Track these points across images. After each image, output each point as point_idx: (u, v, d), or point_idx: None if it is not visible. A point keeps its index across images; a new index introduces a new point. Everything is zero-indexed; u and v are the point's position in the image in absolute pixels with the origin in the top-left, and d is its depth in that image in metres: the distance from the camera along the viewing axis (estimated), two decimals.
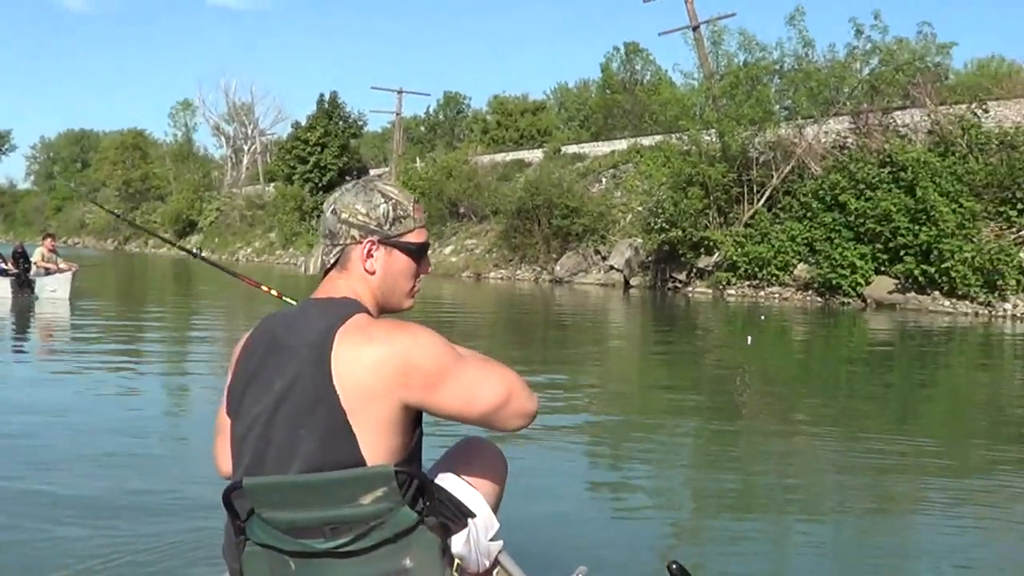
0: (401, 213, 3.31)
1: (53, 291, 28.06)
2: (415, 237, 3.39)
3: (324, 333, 3.05)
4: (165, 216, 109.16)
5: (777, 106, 43.64)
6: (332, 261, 3.32)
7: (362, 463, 3.00)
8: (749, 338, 21.36)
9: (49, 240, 30.81)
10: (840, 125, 41.77)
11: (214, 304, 33.81)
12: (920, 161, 35.28)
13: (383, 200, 3.30)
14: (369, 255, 3.29)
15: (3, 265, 28.89)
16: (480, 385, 3.12)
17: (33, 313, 25.05)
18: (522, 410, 3.21)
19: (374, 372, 2.97)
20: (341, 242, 3.30)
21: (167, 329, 23.79)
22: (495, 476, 3.74)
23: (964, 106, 37.41)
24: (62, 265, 29.61)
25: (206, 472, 7.92)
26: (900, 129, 39.37)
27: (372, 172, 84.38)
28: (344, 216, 3.28)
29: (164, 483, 7.99)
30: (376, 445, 3.01)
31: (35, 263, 29.29)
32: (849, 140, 40.87)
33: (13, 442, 9.38)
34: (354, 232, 3.28)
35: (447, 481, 3.48)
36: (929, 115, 38.33)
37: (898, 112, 40.23)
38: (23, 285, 28.29)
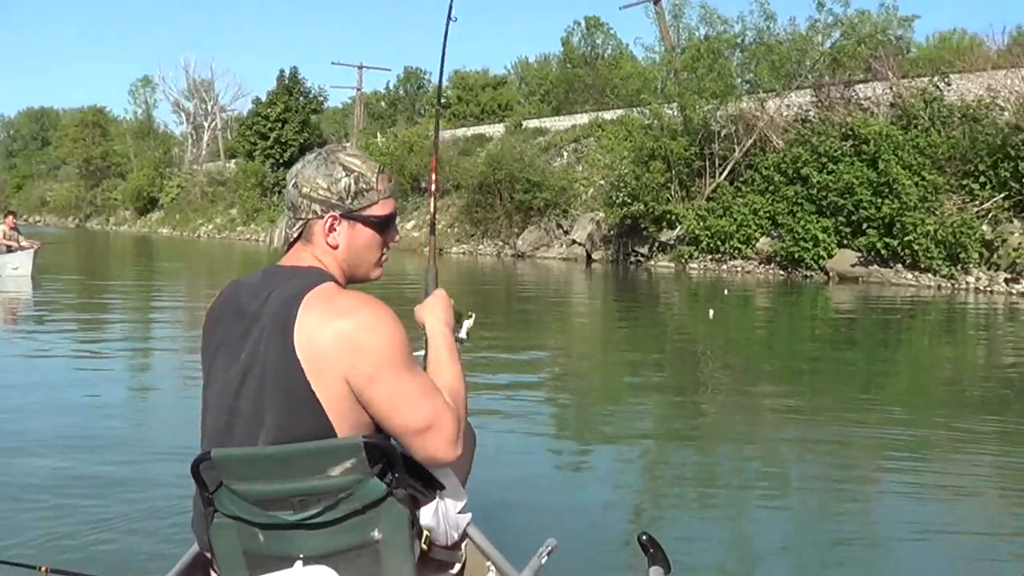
0: (364, 186, 3.23)
1: (15, 269, 27.91)
2: (379, 210, 3.31)
3: (289, 302, 3.00)
4: (126, 194, 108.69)
5: (739, 80, 43.67)
6: (295, 235, 3.26)
7: (330, 433, 2.96)
8: (711, 312, 21.36)
9: (10, 218, 30.63)
10: (802, 98, 41.78)
11: (176, 279, 33.75)
12: (882, 134, 35.30)
13: (344, 174, 3.23)
14: (331, 229, 3.23)
15: None
16: (411, 401, 3.00)
17: None
18: (432, 451, 3.06)
19: (331, 343, 2.93)
20: (303, 216, 3.23)
21: (130, 304, 23.74)
22: (464, 449, 3.71)
23: (926, 79, 37.43)
24: (24, 243, 29.46)
25: (172, 446, 7.96)
26: (862, 102, 39.39)
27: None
28: (305, 190, 3.21)
29: (131, 458, 8.00)
30: (342, 415, 2.97)
31: None
32: (811, 113, 40.83)
33: None
34: (316, 207, 3.22)
35: None
36: (891, 88, 38.39)
37: (860, 85, 40.26)
38: None
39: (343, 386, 2.95)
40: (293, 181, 3.25)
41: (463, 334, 3.82)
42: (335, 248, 3.25)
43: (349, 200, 3.23)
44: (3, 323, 19.34)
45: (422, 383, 3.04)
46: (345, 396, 2.96)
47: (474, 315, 3.89)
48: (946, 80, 37.11)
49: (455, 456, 3.09)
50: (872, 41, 40.23)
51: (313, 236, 3.24)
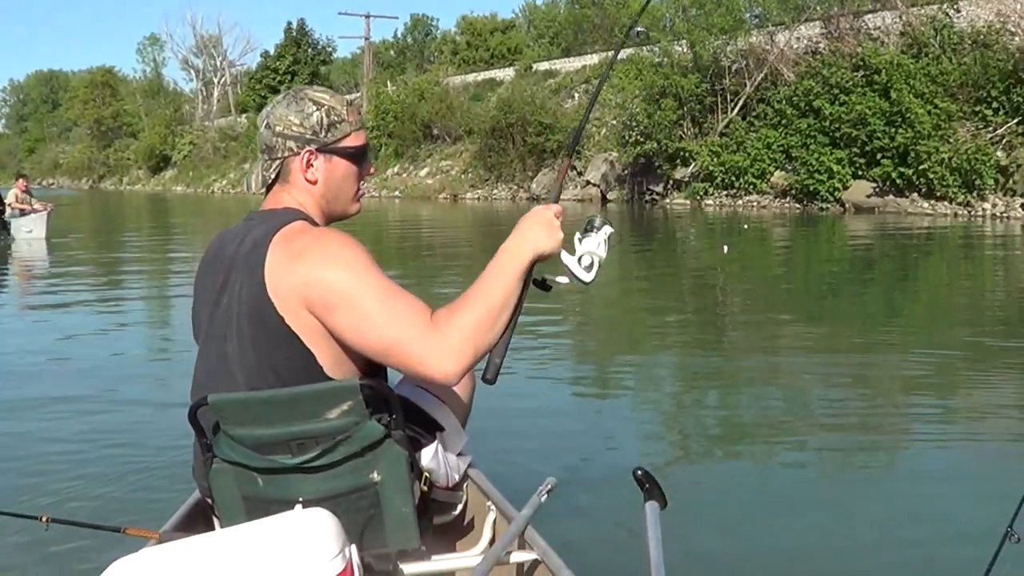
0: (335, 118, 3.21)
1: (29, 231, 28.00)
2: (353, 140, 3.29)
3: (260, 243, 3.01)
4: (138, 153, 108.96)
5: (748, 14, 43.42)
6: (272, 176, 3.24)
7: (316, 367, 2.97)
8: (725, 247, 21.28)
9: (22, 181, 30.70)
10: (812, 31, 41.57)
11: (190, 236, 33.77)
12: (894, 63, 35.16)
13: (315, 108, 3.20)
14: (308, 165, 3.21)
15: None
16: (373, 320, 2.89)
17: (10, 254, 24.96)
18: (410, 367, 2.89)
19: (288, 283, 2.92)
20: (279, 155, 3.21)
21: (145, 264, 23.76)
22: (463, 390, 3.75)
23: (936, 7, 37.16)
24: (36, 206, 29.52)
25: (175, 397, 7.98)
26: (872, 32, 39.19)
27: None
28: (279, 129, 3.19)
29: (132, 410, 8.08)
30: (323, 350, 2.97)
31: (9, 204, 29.15)
32: (821, 45, 40.64)
33: None
34: (291, 144, 3.19)
35: (415, 395, 3.48)
36: (901, 17, 38.14)
37: (869, 15, 40.04)
38: None
39: (311, 320, 2.93)
40: (265, 122, 3.23)
41: (575, 263, 3.15)
42: (313, 184, 3.23)
43: (323, 133, 3.20)
44: (18, 286, 19.40)
45: (383, 301, 2.90)
46: (316, 329, 2.94)
47: (604, 229, 3.17)
48: (955, 7, 36.82)
49: (442, 374, 2.86)
50: None
51: (291, 175, 3.22)
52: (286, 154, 3.20)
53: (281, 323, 2.93)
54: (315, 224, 3.15)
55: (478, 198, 53.07)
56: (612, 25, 60.76)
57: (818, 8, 41.68)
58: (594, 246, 3.14)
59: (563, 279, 3.16)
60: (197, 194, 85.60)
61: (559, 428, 7.58)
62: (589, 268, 3.13)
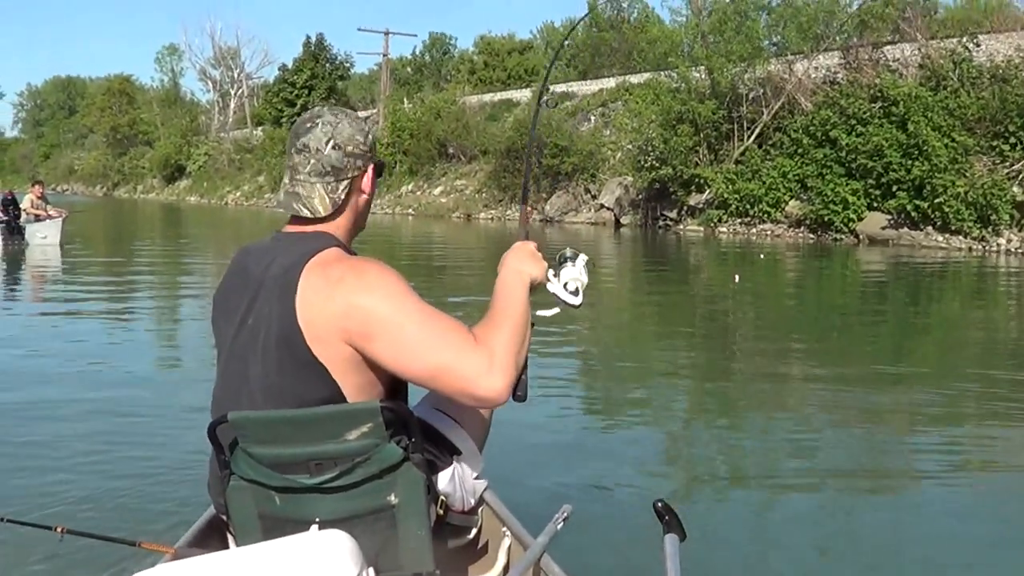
0: (375, 135, 3.31)
1: (44, 237, 28.12)
2: None
3: (291, 268, 3.02)
4: (153, 161, 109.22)
5: (766, 42, 43.45)
6: (343, 196, 3.24)
7: (339, 395, 2.99)
8: (736, 276, 21.22)
9: (37, 187, 30.80)
10: (830, 60, 41.58)
11: (204, 246, 33.84)
12: (912, 96, 35.10)
13: (366, 126, 3.30)
14: (372, 180, 3.31)
15: None
16: (416, 347, 2.92)
17: (24, 259, 25.03)
18: (461, 389, 2.93)
19: (323, 312, 2.94)
20: (348, 175, 3.23)
21: (158, 273, 23.79)
22: (481, 414, 3.73)
23: (955, 40, 37.17)
24: (51, 212, 29.63)
25: (189, 412, 7.96)
26: (891, 64, 39.17)
27: (360, 114, 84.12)
28: (350, 149, 3.21)
29: (148, 423, 8.07)
30: (348, 379, 2.99)
31: (24, 210, 29.27)
32: (839, 75, 40.64)
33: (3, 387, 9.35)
34: (359, 162, 3.24)
35: (433, 418, 3.49)
36: (920, 49, 38.17)
37: (888, 47, 40.04)
38: (13, 232, 28.35)
39: (345, 350, 2.95)
40: (331, 143, 3.20)
41: (562, 289, 3.47)
42: (367, 195, 3.32)
43: (373, 150, 3.31)
44: (32, 292, 19.43)
45: (425, 326, 2.95)
46: (347, 359, 2.97)
47: (580, 257, 3.55)
48: (975, 41, 36.82)
49: (493, 392, 2.91)
50: (900, 2, 39.93)
51: (351, 194, 3.26)
52: (355, 173, 3.25)
53: (307, 352, 2.95)
54: (345, 248, 3.18)
55: (491, 218, 53.07)
56: (630, 49, 60.82)
57: (837, 38, 41.70)
58: (577, 273, 3.49)
59: (548, 312, 3.44)
60: (211, 205, 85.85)
61: (574, 455, 7.55)
62: (576, 293, 3.47)
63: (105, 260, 27.24)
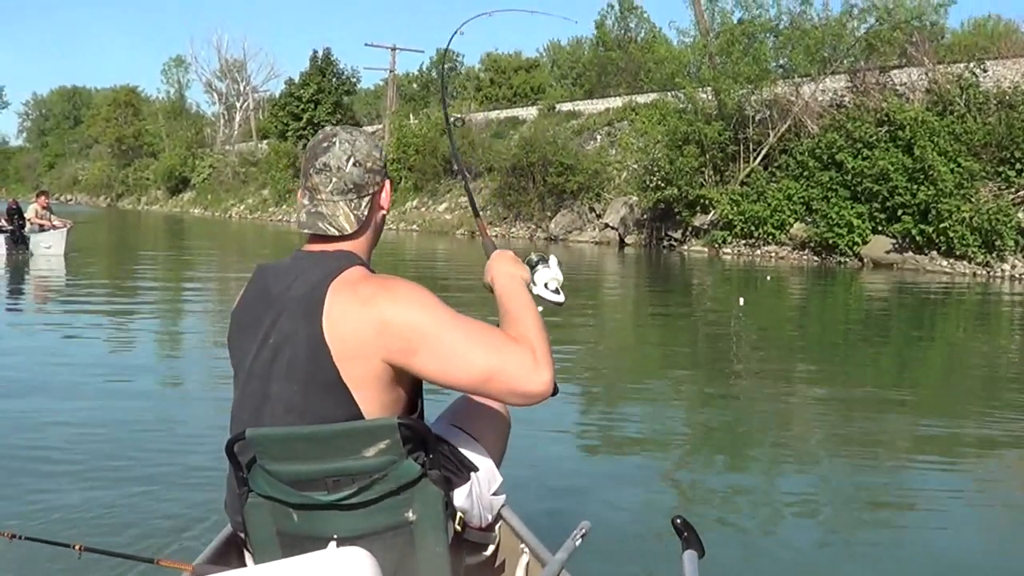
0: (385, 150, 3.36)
1: (48, 247, 28.19)
2: None
3: (316, 287, 3.03)
4: (158, 173, 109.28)
5: (774, 64, 43.43)
6: (367, 213, 3.27)
7: (359, 416, 2.99)
8: (741, 299, 21.20)
9: (43, 197, 30.94)
10: (837, 83, 41.55)
11: (208, 259, 33.87)
12: (918, 120, 35.08)
13: (379, 142, 3.41)
14: (389, 194, 3.37)
15: None
16: (461, 355, 2.97)
17: (28, 269, 25.06)
18: (513, 389, 2.99)
19: (357, 331, 2.96)
20: (369, 191, 3.27)
21: (162, 285, 23.81)
22: (498, 431, 3.78)
23: (962, 65, 37.13)
24: (56, 222, 29.69)
25: (205, 427, 7.97)
26: (897, 88, 39.14)
27: (365, 130, 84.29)
28: (369, 165, 3.25)
29: (162, 439, 8.07)
30: (370, 399, 3.01)
31: (29, 220, 29.32)
32: (846, 99, 40.59)
33: (5, 402, 9.33)
34: (377, 178, 3.29)
35: (450, 435, 3.50)
36: (927, 74, 38.14)
37: (895, 71, 40.02)
38: (18, 242, 28.40)
39: (378, 368, 2.98)
40: (352, 161, 3.23)
41: (543, 289, 3.60)
42: (384, 210, 3.38)
43: (386, 164, 3.36)
44: (35, 302, 19.43)
45: (465, 330, 3.01)
46: (379, 377, 2.99)
47: (551, 258, 3.72)
48: (982, 66, 36.80)
49: (544, 385, 2.98)
50: (908, 27, 39.95)
51: (373, 208, 3.31)
52: (375, 189, 3.29)
53: (333, 371, 2.97)
54: (367, 266, 3.21)
55: (496, 235, 52.84)
56: (637, 69, 60.88)
57: (844, 62, 41.70)
58: (555, 273, 3.63)
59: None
60: (215, 217, 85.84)
61: (591, 471, 7.61)
62: (557, 292, 3.61)
63: (109, 271, 27.29)
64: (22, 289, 22.02)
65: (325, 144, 3.25)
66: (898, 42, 40.27)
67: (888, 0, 40.81)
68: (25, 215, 29.42)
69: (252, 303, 3.22)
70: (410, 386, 3.13)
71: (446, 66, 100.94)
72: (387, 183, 3.34)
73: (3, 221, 29.00)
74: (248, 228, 64.64)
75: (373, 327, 2.94)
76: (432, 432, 3.09)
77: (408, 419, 2.98)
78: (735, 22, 44.25)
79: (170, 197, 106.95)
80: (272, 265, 3.29)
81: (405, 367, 2.99)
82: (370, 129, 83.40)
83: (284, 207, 79.83)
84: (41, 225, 29.38)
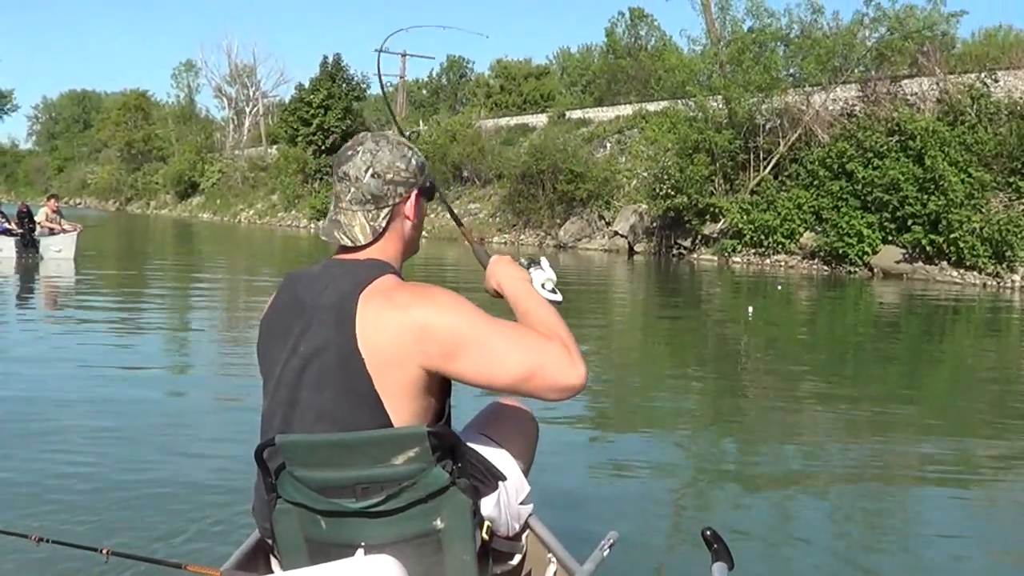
0: (423, 160, 3.34)
1: (58, 251, 28.23)
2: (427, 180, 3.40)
3: (348, 296, 3.04)
4: (167, 177, 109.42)
5: (784, 73, 43.43)
6: (384, 225, 3.26)
7: (388, 425, 3.00)
8: (750, 309, 21.16)
9: (53, 201, 30.98)
10: (848, 93, 41.59)
11: (216, 263, 33.93)
12: (929, 130, 35.09)
13: (411, 152, 3.30)
14: (415, 206, 3.31)
15: (7, 225, 28.96)
16: (502, 356, 3.00)
17: (38, 273, 25.10)
18: (551, 384, 3.02)
19: (394, 339, 2.96)
20: (390, 203, 3.25)
21: (171, 289, 23.81)
22: (527, 439, 3.79)
23: (973, 75, 37.18)
24: (66, 226, 29.74)
25: (229, 433, 7.96)
26: (908, 98, 39.16)
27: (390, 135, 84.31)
28: (389, 177, 3.23)
29: (187, 443, 8.05)
30: (402, 408, 3.01)
31: (39, 223, 29.39)
32: (857, 108, 40.62)
33: (18, 408, 9.30)
34: (400, 189, 3.26)
35: (479, 443, 3.49)
36: (938, 84, 38.15)
37: (906, 80, 40.03)
38: (28, 245, 28.47)
39: (414, 377, 3.00)
40: (370, 171, 3.23)
41: (541, 289, 3.66)
42: (413, 224, 3.34)
43: (420, 176, 3.31)
44: (46, 306, 19.42)
45: (503, 331, 3.05)
46: (412, 385, 3.01)
47: (543, 260, 3.85)
48: (993, 76, 36.83)
49: (582, 377, 3.04)
50: (919, 37, 39.95)
51: (394, 220, 3.28)
52: (396, 200, 3.26)
53: (366, 381, 2.98)
54: (399, 275, 3.20)
55: (505, 243, 53.02)
56: (647, 77, 60.89)
57: (855, 71, 41.74)
58: (550, 273, 3.74)
59: None
60: (224, 222, 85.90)
61: (618, 482, 7.59)
62: (554, 291, 3.68)
63: (119, 275, 27.26)
64: (32, 292, 22.03)
65: (349, 152, 3.27)
66: (909, 52, 40.28)
67: (899, 10, 40.85)
68: (35, 219, 29.49)
69: (282, 311, 3.23)
70: (440, 394, 3.14)
71: (457, 74, 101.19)
72: (413, 194, 3.29)
73: (13, 225, 29.07)
74: (257, 233, 64.74)
75: (412, 333, 2.94)
76: (461, 440, 3.09)
77: (437, 427, 2.99)
78: (746, 31, 44.29)
79: (179, 202, 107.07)
80: (302, 273, 3.29)
81: (445, 371, 3.01)
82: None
83: (293, 212, 79.93)
84: (51, 229, 29.45)
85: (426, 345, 2.95)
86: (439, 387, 3.11)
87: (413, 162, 3.27)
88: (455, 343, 2.96)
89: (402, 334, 2.95)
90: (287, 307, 3.20)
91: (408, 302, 2.99)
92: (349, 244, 3.18)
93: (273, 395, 3.15)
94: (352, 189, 3.22)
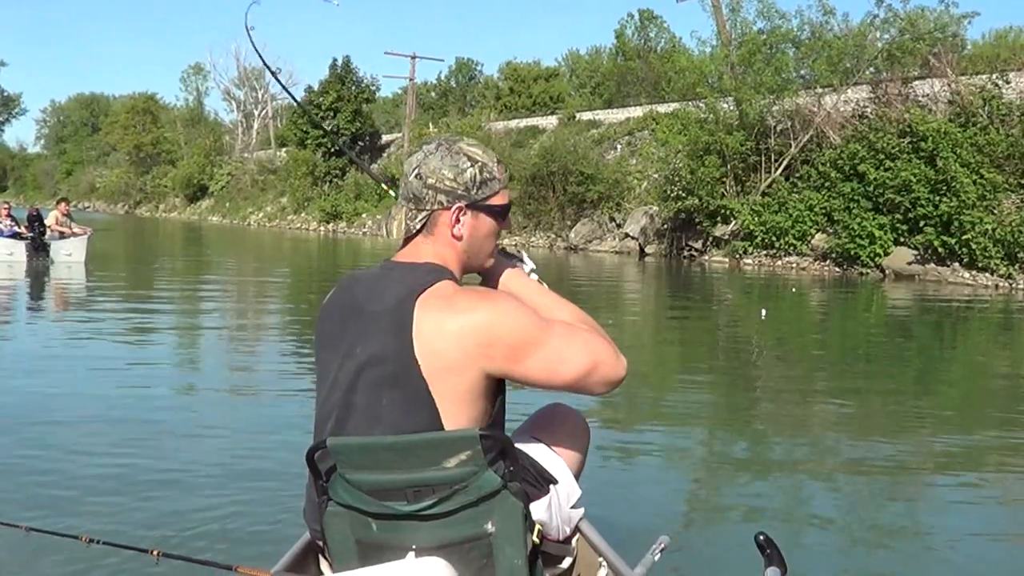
0: (487, 176, 3.24)
1: (69, 255, 28.28)
2: (499, 199, 3.31)
3: (405, 300, 3.02)
4: (176, 181, 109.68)
5: (795, 74, 43.36)
6: (418, 227, 3.23)
7: (441, 429, 2.99)
8: (763, 311, 21.11)
9: (63, 204, 31.17)
10: (859, 94, 41.49)
11: (226, 267, 33.98)
12: (940, 131, 35.00)
13: (469, 164, 3.22)
14: (457, 221, 3.22)
15: (18, 228, 29.00)
16: (564, 355, 3.07)
17: (48, 276, 25.13)
18: (606, 378, 3.16)
19: (457, 343, 2.95)
20: (427, 207, 3.21)
21: (183, 292, 23.82)
22: (578, 443, 3.77)
23: (985, 77, 37.07)
24: (76, 229, 29.83)
25: (277, 434, 7.96)
26: (920, 99, 39.03)
27: (384, 138, 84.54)
28: (431, 181, 3.19)
29: (233, 446, 8.06)
30: (457, 414, 3.01)
31: (49, 227, 29.48)
32: (868, 109, 40.53)
33: (28, 412, 9.26)
34: (441, 197, 3.20)
35: (530, 447, 3.51)
36: (949, 85, 38.06)
37: (918, 82, 39.93)
38: (38, 249, 28.54)
39: (473, 381, 3.00)
40: (416, 172, 3.21)
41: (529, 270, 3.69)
42: (459, 239, 3.24)
43: (474, 190, 3.22)
44: (56, 309, 19.42)
45: (561, 331, 3.11)
46: (470, 390, 3.00)
47: (523, 252, 3.81)
48: (1005, 78, 36.74)
49: (625, 369, 3.21)
50: (930, 38, 39.88)
51: (436, 228, 3.23)
52: (435, 207, 3.21)
53: (422, 386, 2.97)
54: (456, 281, 3.18)
55: (515, 244, 52.97)
56: (657, 79, 60.88)
57: (866, 73, 41.70)
58: (531, 264, 3.71)
59: None
60: (233, 225, 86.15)
61: (669, 485, 7.57)
62: (540, 281, 3.64)
63: (130, 278, 27.36)
64: (42, 296, 22.05)
65: (414, 150, 3.29)
66: (920, 53, 40.20)
67: (910, 11, 40.79)
68: (45, 222, 29.56)
69: (338, 313, 3.22)
70: (493, 399, 3.12)
71: (466, 76, 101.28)
72: (457, 210, 3.20)
73: (23, 228, 29.11)
74: (267, 236, 64.82)
75: (476, 338, 2.94)
76: (513, 444, 3.08)
77: (489, 430, 2.98)
78: (756, 32, 44.21)
79: (188, 205, 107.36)
80: (360, 274, 3.28)
81: (508, 373, 3.03)
82: (389, 137, 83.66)
83: (303, 215, 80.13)
84: (61, 232, 29.57)
85: (492, 349, 2.95)
86: (494, 392, 3.11)
87: (467, 174, 3.19)
88: (521, 345, 2.97)
89: (465, 338, 2.94)
90: (344, 308, 3.19)
91: (471, 306, 2.99)
92: (392, 236, 3.17)
93: (328, 397, 3.15)
94: (403, 186, 3.24)
